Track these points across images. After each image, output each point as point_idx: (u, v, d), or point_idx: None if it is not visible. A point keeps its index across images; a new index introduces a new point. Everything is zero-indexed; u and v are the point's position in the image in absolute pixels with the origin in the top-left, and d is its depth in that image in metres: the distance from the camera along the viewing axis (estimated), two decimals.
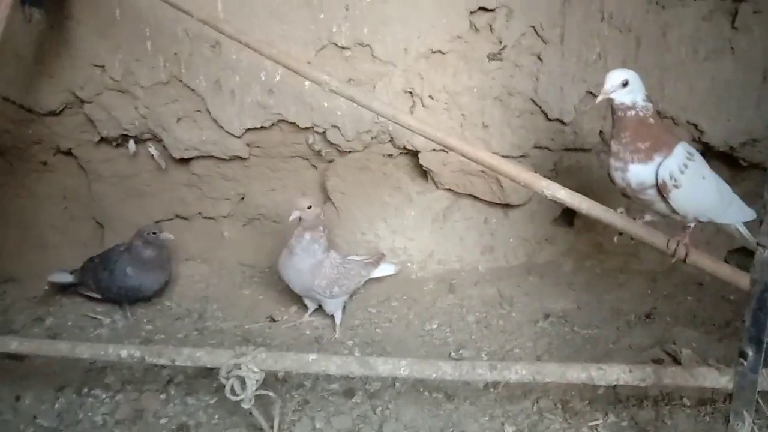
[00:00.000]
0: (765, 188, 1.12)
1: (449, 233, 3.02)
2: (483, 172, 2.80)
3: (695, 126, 2.64)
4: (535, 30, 2.56)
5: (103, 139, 2.98)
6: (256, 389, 1.90)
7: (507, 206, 2.93)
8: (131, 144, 2.99)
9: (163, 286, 2.88)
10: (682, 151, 1.83)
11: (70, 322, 2.81)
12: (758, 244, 1.17)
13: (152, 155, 3.03)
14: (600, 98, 1.85)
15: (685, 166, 1.81)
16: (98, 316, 2.84)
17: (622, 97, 1.83)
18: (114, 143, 3.01)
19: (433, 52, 2.62)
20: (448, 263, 3.02)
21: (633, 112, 1.83)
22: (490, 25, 2.56)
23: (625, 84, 1.82)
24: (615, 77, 1.83)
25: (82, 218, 3.26)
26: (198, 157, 2.97)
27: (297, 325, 2.71)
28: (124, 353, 1.99)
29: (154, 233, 2.73)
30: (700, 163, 1.88)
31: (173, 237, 2.78)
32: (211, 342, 2.61)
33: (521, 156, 2.79)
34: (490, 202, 2.95)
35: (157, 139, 2.95)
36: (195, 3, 2.35)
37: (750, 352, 1.23)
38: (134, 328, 2.76)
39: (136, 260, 2.74)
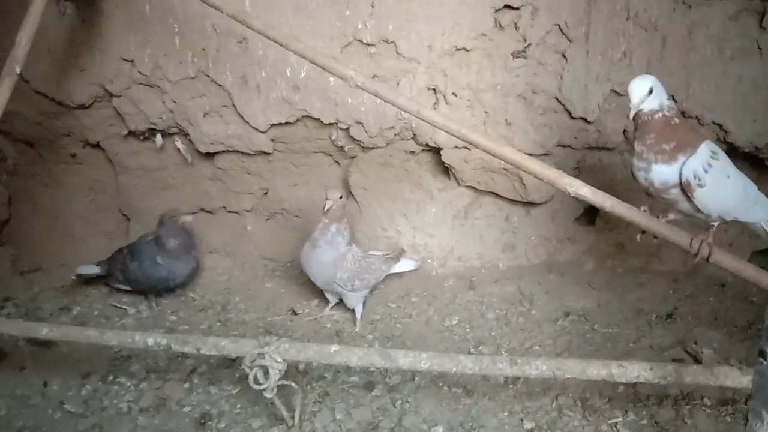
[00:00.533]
0: None
1: (470, 230, 3.03)
2: (505, 169, 2.80)
3: (720, 126, 2.62)
4: (559, 28, 2.56)
5: (130, 133, 3.03)
6: (279, 379, 1.93)
7: (529, 204, 2.93)
8: (158, 137, 3.04)
9: (192, 274, 2.93)
10: (706, 150, 1.82)
11: (96, 312, 2.87)
12: None
13: (179, 149, 3.07)
14: (632, 113, 1.84)
15: (710, 165, 1.80)
16: (124, 306, 2.90)
17: (650, 105, 1.83)
18: (141, 137, 3.06)
19: (458, 50, 2.63)
20: (468, 260, 3.04)
21: (660, 115, 1.83)
22: (515, 23, 2.57)
23: (650, 92, 1.82)
24: (640, 88, 1.82)
25: (109, 210, 3.33)
26: (223, 152, 3.01)
27: (318, 318, 2.74)
28: (150, 341, 2.04)
29: (173, 217, 2.78)
30: (724, 162, 1.87)
31: (191, 219, 2.83)
32: (233, 333, 2.65)
33: (544, 154, 2.80)
34: (511, 199, 2.95)
35: (183, 133, 2.99)
36: None
37: None
38: (159, 319, 2.81)
39: (165, 249, 2.79)
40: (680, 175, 1.80)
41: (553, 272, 2.94)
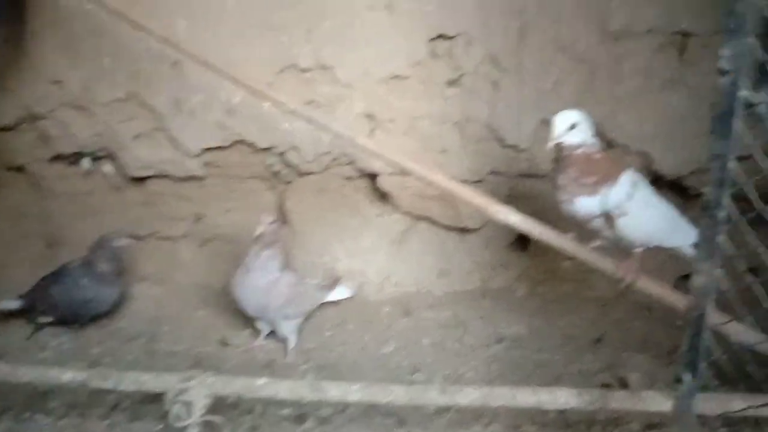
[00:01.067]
0: (701, 217, 1.15)
1: (406, 256, 3.03)
2: (440, 196, 2.82)
3: (647, 155, 2.71)
4: (492, 58, 2.62)
5: (57, 156, 2.92)
6: (204, 414, 1.86)
7: (463, 230, 2.96)
8: (86, 161, 2.95)
9: (120, 301, 2.82)
10: (627, 179, 1.88)
11: (15, 344, 2.71)
12: (693, 269, 1.21)
13: (108, 173, 2.98)
14: (549, 144, 1.88)
15: (631, 194, 1.86)
16: (45, 338, 2.75)
17: (570, 139, 1.87)
18: (69, 160, 2.96)
19: (394, 77, 2.66)
20: (404, 286, 3.03)
21: (581, 150, 1.88)
22: (450, 52, 2.62)
23: (572, 126, 1.86)
24: (562, 122, 1.86)
25: (33, 236, 3.17)
26: (154, 176, 2.93)
27: (250, 348, 2.67)
28: (67, 376, 1.94)
29: (112, 241, 2.68)
30: (645, 191, 1.93)
31: (129, 242, 2.75)
32: (161, 365, 2.55)
33: (478, 181, 2.83)
34: (447, 225, 2.97)
35: (112, 157, 2.91)
36: (157, 22, 2.35)
37: (686, 378, 1.26)
38: (82, 350, 2.67)
39: (92, 273, 2.67)
40: (603, 205, 1.85)
41: (487, 298, 2.96)
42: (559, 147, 1.88)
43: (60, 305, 2.69)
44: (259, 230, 2.40)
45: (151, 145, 2.82)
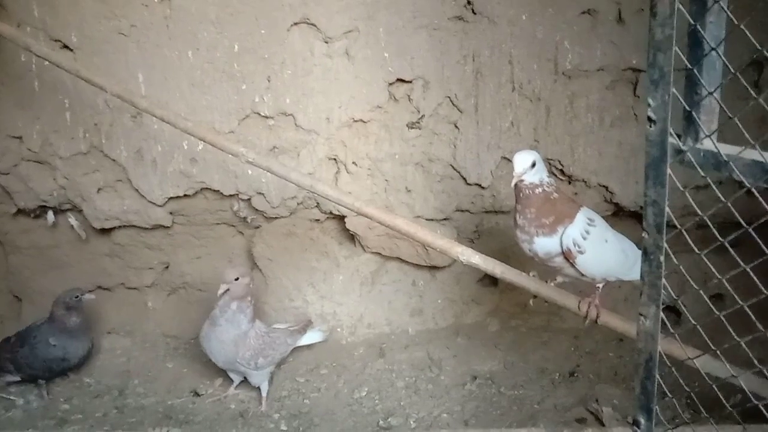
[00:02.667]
0: (641, 259, 1.17)
1: (378, 297, 3.03)
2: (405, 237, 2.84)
3: (606, 188, 2.76)
4: (450, 100, 2.67)
5: (20, 211, 2.90)
6: None
7: (433, 268, 2.97)
8: (50, 215, 2.93)
9: (88, 356, 2.77)
10: (582, 218, 1.91)
11: None
12: (639, 313, 1.22)
13: (72, 226, 2.96)
14: (514, 181, 1.91)
15: (587, 232, 1.89)
16: (11, 397, 2.69)
17: (531, 177, 1.90)
18: (32, 214, 2.93)
19: (355, 121, 2.69)
20: (377, 327, 3.02)
21: (540, 190, 1.90)
22: (408, 96, 2.66)
23: (533, 165, 1.90)
24: (523, 160, 1.90)
25: None
26: (120, 227, 2.92)
27: (222, 399, 2.63)
28: None
29: (77, 297, 2.65)
30: (601, 227, 1.96)
31: (95, 297, 2.75)
32: (130, 420, 2.51)
33: (444, 219, 2.86)
34: (416, 264, 2.98)
35: (77, 210, 2.89)
36: (114, 76, 2.37)
37: (642, 420, 1.26)
38: (50, 408, 2.63)
39: (59, 329, 2.64)
40: (561, 244, 1.87)
41: (460, 335, 2.96)
42: (519, 186, 1.91)
43: (30, 364, 2.64)
44: (222, 289, 2.40)
45: (115, 196, 2.81)
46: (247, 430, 2.42)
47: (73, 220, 2.95)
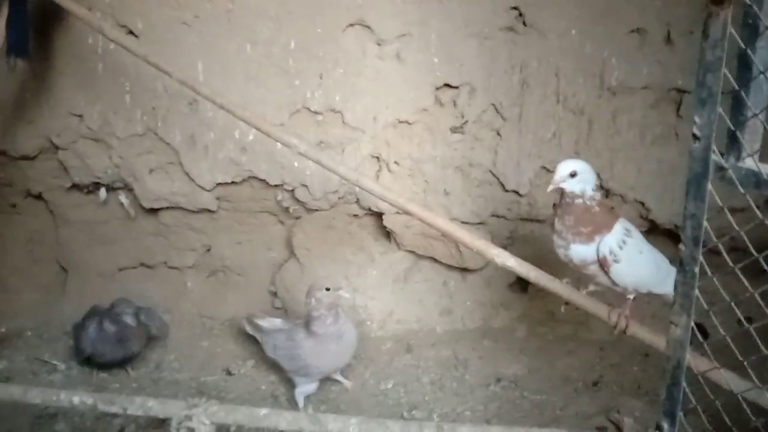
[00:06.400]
0: (677, 266, 1.23)
1: (409, 294, 3.09)
2: (443, 236, 2.90)
3: (642, 204, 2.80)
4: (495, 108, 2.73)
5: (74, 186, 3.03)
6: None
7: (465, 270, 3.03)
8: (102, 192, 3.05)
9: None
10: (621, 228, 1.96)
11: (24, 366, 2.80)
12: (670, 321, 1.28)
13: (122, 204, 3.08)
14: (550, 188, 1.97)
15: (624, 242, 1.94)
16: (53, 361, 2.83)
17: (571, 187, 1.95)
18: (85, 190, 3.06)
19: (400, 122, 2.77)
20: (406, 323, 3.09)
21: (580, 201, 1.95)
22: (454, 101, 2.73)
23: (573, 175, 1.95)
24: (564, 168, 1.95)
25: (46, 262, 3.27)
26: (167, 208, 3.03)
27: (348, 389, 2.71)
28: (76, 399, 2.00)
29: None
30: (637, 239, 2.01)
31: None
32: (165, 392, 2.61)
33: (479, 223, 2.92)
34: (449, 265, 3.05)
35: (128, 189, 3.01)
36: (175, 64, 2.48)
37: (666, 425, 1.32)
38: (89, 376, 2.76)
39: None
40: (597, 252, 1.93)
41: (487, 337, 3.01)
42: (559, 192, 1.97)
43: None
44: (343, 294, 2.46)
45: (166, 178, 2.92)
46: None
47: (123, 198, 3.07)
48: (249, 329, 2.77)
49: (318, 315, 2.43)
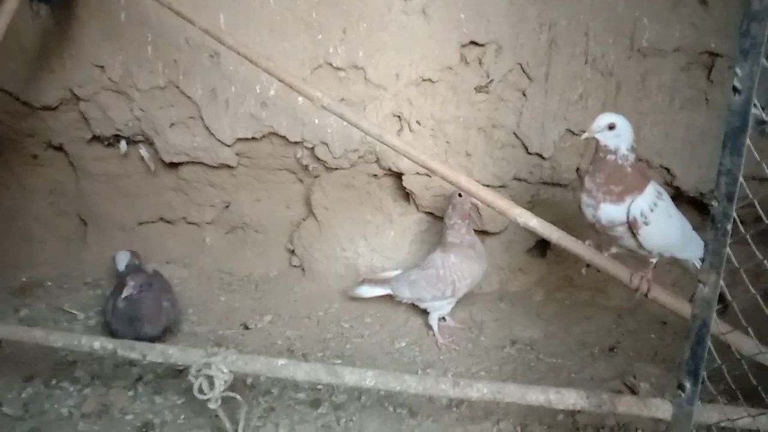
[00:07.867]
0: (708, 228, 1.20)
1: (426, 255, 3.08)
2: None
3: (668, 170, 2.74)
4: (521, 67, 2.67)
5: (95, 138, 3.04)
6: (225, 391, 1.94)
7: (484, 233, 3.01)
8: (123, 144, 3.05)
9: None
10: (652, 190, 1.93)
11: (45, 315, 2.85)
12: (699, 280, 1.25)
13: (143, 157, 3.09)
14: (585, 135, 1.93)
15: (655, 204, 1.91)
16: (73, 311, 2.88)
17: (607, 140, 1.91)
18: (106, 142, 3.06)
19: (424, 80, 2.72)
20: None
21: (613, 157, 1.91)
22: (480, 59, 2.67)
23: (611, 127, 1.91)
24: (603, 119, 1.91)
25: (67, 214, 3.31)
26: (187, 163, 3.03)
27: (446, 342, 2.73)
28: (96, 345, 2.03)
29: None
30: (667, 203, 1.98)
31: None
32: (183, 344, 2.64)
33: (501, 186, 2.88)
34: None
35: (149, 142, 3.01)
36: (199, 14, 2.44)
37: (688, 384, 1.30)
38: (108, 326, 2.79)
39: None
40: (628, 213, 1.90)
41: (504, 301, 3.01)
42: (593, 144, 1.93)
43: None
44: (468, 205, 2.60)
45: (187, 132, 2.91)
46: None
47: (144, 151, 3.08)
48: (366, 290, 2.82)
49: (452, 223, 2.63)
